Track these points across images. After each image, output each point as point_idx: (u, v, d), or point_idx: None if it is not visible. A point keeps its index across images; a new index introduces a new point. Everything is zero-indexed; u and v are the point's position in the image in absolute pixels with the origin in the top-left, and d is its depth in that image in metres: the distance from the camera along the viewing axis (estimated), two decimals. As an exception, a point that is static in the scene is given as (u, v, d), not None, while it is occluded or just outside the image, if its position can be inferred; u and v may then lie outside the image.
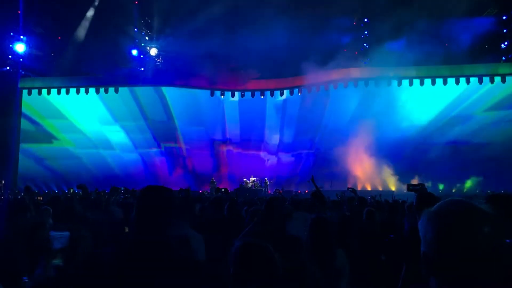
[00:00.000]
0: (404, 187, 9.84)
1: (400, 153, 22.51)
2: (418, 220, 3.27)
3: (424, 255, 1.24)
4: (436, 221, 1.22)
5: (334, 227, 4.14)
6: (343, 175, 22.77)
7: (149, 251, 2.10)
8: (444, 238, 1.19)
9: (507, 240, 1.16)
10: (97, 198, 7.03)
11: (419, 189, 6.00)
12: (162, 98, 24.69)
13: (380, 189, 21.57)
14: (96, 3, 21.92)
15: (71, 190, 14.39)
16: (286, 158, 25.03)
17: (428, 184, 21.41)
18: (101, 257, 2.17)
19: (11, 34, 21.33)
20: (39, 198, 12.57)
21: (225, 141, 25.37)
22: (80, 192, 6.71)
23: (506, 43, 21.25)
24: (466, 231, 1.17)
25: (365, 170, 23.00)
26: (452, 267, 1.17)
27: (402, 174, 22.29)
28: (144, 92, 24.59)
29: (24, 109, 24.16)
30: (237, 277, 2.25)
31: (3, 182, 19.07)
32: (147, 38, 23.33)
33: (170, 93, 24.48)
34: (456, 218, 1.19)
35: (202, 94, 24.36)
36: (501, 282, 1.15)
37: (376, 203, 9.36)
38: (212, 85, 23.98)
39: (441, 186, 22.14)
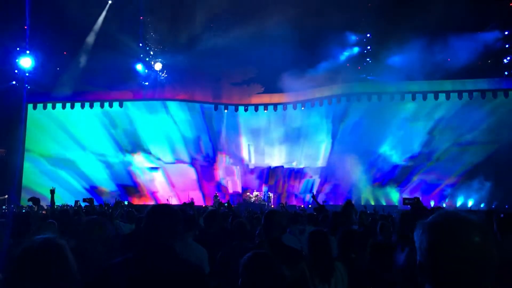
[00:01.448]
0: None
1: (405, 168, 22.66)
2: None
3: (419, 264, 1.30)
4: (430, 232, 1.28)
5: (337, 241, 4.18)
6: (347, 190, 22.88)
7: (157, 265, 2.17)
8: (437, 248, 1.25)
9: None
10: (101, 212, 7.08)
11: (413, 203, 6.02)
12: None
13: (384, 204, 21.57)
14: (102, 19, 22.17)
15: (78, 203, 14.41)
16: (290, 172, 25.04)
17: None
18: (110, 269, 2.24)
19: (18, 49, 21.59)
20: (43, 212, 12.59)
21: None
22: (84, 206, 6.75)
23: (508, 58, 21.32)
24: (457, 240, 1.23)
25: (369, 185, 23.02)
26: (445, 275, 1.23)
27: (405, 189, 22.31)
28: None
29: (30, 122, 24.41)
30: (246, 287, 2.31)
31: (6, 196, 19.12)
32: (151, 53, 23.55)
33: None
34: (447, 228, 1.26)
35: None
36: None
37: (380, 218, 9.35)
38: (216, 99, 24.13)
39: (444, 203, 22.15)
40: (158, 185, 25.29)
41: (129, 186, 24.98)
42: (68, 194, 22.42)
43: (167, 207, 2.49)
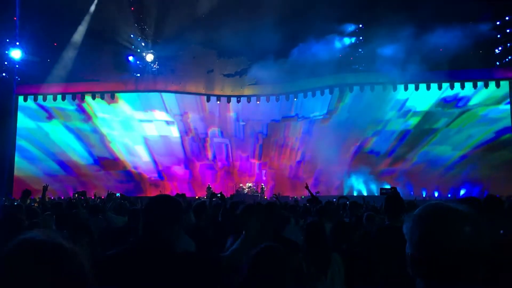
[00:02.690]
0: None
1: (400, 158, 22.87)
2: (386, 222, 3.35)
3: (411, 257, 1.30)
4: (421, 223, 1.28)
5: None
6: (338, 181, 23.08)
7: (156, 259, 2.15)
8: (428, 239, 1.25)
9: (501, 231, 1.24)
10: (95, 204, 7.07)
11: (390, 193, 6.06)
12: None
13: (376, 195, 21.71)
14: (92, 10, 21.95)
15: (76, 195, 14.45)
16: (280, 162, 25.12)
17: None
18: (103, 262, 2.21)
19: (7, 40, 21.34)
20: (35, 204, 12.54)
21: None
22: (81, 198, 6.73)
23: (500, 48, 21.40)
24: (449, 231, 1.24)
25: (360, 176, 23.20)
26: (437, 267, 1.24)
27: (397, 180, 22.46)
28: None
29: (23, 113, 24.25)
30: (254, 279, 2.30)
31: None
32: (143, 44, 23.39)
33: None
34: (437, 219, 1.26)
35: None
36: (484, 279, 1.22)
37: (372, 208, 9.39)
38: (208, 91, 24.06)
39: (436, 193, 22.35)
40: (143, 164, 25.21)
41: (108, 159, 24.86)
42: (60, 187, 22.36)
43: (168, 199, 2.40)
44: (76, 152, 24.71)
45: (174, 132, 25.19)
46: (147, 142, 25.04)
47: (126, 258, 2.19)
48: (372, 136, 23.44)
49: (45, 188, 7.79)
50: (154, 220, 2.26)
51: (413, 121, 23.13)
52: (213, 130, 25.24)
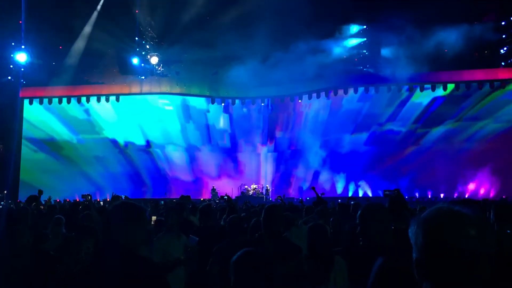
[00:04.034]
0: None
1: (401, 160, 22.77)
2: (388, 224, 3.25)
3: (416, 261, 1.30)
4: (426, 226, 1.28)
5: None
6: (344, 181, 23.06)
7: (116, 270, 2.18)
8: (433, 243, 1.25)
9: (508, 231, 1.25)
10: (101, 207, 7.11)
11: (393, 195, 6.03)
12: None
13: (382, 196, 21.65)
14: (97, 13, 22.03)
15: (89, 197, 14.58)
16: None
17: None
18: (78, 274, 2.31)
19: (13, 43, 21.45)
20: (41, 206, 12.57)
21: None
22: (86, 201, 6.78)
23: (505, 48, 21.32)
24: (454, 234, 1.23)
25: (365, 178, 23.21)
26: (442, 270, 1.23)
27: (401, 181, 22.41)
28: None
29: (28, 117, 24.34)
30: (238, 285, 2.30)
31: (5, 192, 19.06)
32: (147, 46, 23.43)
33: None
34: (444, 222, 1.26)
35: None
36: (490, 284, 1.22)
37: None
38: (213, 93, 24.08)
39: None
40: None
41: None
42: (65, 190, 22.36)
43: (129, 205, 2.40)
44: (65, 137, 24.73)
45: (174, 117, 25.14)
46: (145, 129, 25.01)
47: (95, 266, 2.29)
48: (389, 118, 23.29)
49: (40, 193, 8.28)
50: (112, 226, 2.31)
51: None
52: (216, 114, 25.20)
